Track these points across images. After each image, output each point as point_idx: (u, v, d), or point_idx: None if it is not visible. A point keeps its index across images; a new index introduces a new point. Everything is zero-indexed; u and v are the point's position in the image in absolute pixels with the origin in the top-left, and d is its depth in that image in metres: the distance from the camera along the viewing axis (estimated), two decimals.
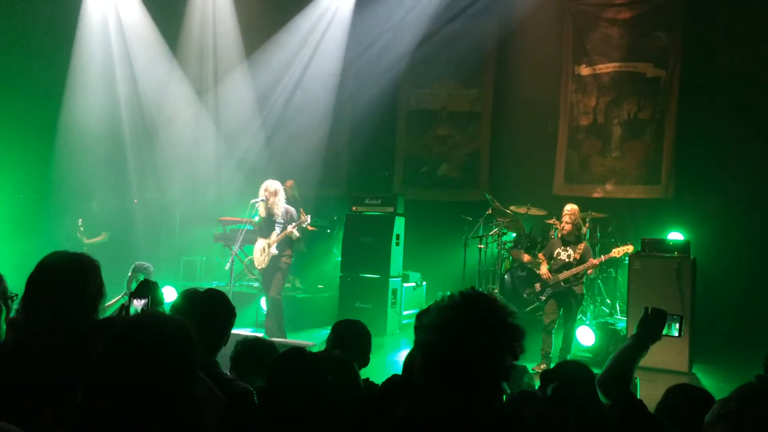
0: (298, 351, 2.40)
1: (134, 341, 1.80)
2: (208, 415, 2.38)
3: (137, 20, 10.52)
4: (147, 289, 3.10)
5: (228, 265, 7.25)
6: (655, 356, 7.01)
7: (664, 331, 2.57)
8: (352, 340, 3.37)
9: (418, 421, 1.89)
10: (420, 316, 3.50)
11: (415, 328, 3.68)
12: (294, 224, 7.15)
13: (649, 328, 2.54)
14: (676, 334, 2.60)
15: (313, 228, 7.54)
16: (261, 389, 2.44)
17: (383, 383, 3.20)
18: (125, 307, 2.61)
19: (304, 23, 11.06)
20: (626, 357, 2.49)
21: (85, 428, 1.74)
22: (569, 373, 2.99)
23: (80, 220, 9.08)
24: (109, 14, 10.37)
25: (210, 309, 2.68)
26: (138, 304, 2.58)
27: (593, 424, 2.62)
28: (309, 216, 7.30)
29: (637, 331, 2.55)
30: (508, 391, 2.92)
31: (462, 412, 1.80)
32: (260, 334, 3.28)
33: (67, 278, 2.41)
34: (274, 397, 2.28)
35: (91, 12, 10.21)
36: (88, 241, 9.03)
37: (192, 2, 11.00)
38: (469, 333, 1.85)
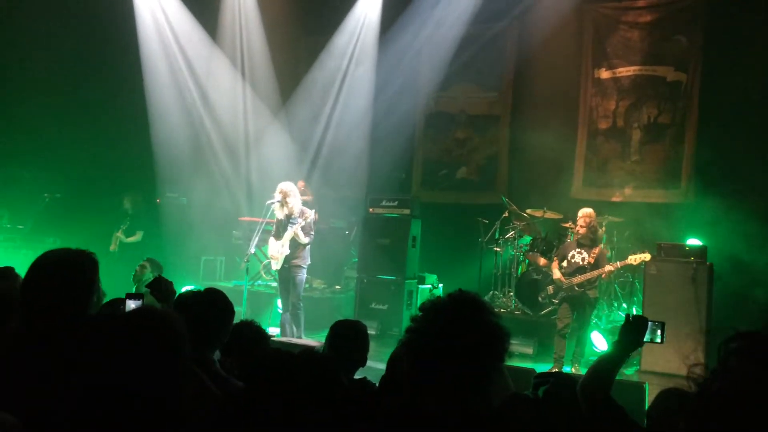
0: (280, 353, 2.46)
1: (125, 335, 1.89)
2: (201, 410, 2.47)
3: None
4: (155, 287, 3.15)
5: (243, 264, 7.33)
6: (669, 362, 6.99)
7: (647, 338, 2.58)
8: (350, 340, 3.43)
9: (396, 421, 1.94)
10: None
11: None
12: (297, 225, 7.11)
13: (630, 336, 2.56)
14: (659, 340, 2.61)
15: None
16: (245, 389, 2.51)
17: (380, 380, 3.25)
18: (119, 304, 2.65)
19: (341, 38, 11.19)
20: (607, 364, 2.51)
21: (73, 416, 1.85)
22: (560, 375, 3.01)
23: (128, 219, 9.31)
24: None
25: (205, 306, 2.77)
26: (131, 305, 2.62)
27: (584, 426, 2.64)
28: (313, 213, 7.34)
29: (618, 338, 2.57)
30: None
31: (435, 415, 1.84)
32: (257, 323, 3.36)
33: (52, 277, 2.39)
34: (256, 399, 2.35)
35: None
36: (126, 240, 9.21)
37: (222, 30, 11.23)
38: (451, 335, 1.84)
